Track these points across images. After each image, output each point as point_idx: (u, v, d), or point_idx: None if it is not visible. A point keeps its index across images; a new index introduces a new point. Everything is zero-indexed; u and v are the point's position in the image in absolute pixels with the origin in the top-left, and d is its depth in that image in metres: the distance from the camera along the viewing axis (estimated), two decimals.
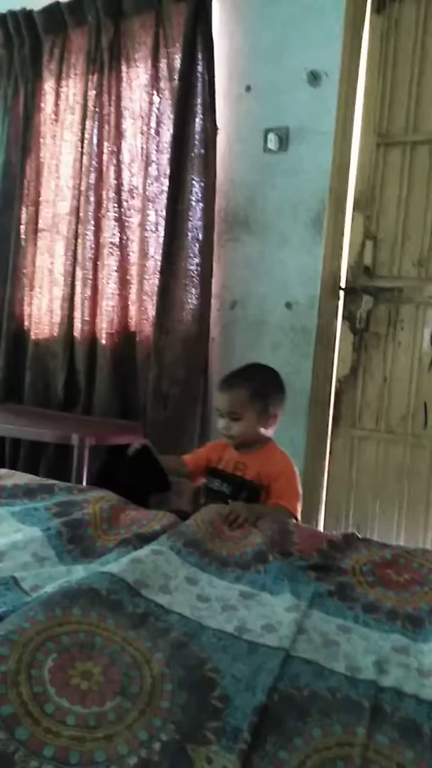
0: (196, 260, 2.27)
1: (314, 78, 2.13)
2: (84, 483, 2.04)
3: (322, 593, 1.05)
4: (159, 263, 2.31)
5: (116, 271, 2.45)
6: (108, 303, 2.46)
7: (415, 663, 0.87)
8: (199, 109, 2.24)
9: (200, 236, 2.27)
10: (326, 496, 2.20)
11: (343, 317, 2.14)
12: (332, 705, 0.76)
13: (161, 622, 0.91)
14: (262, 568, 1.12)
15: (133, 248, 2.44)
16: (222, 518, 1.30)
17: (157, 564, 1.06)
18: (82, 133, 2.49)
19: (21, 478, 1.58)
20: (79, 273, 2.52)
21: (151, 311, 2.36)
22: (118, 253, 2.45)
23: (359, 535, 1.30)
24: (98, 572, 1.00)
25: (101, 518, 1.27)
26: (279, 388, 1.60)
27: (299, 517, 1.50)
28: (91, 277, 2.49)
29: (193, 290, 2.27)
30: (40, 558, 1.11)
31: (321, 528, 2.16)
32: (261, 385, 1.56)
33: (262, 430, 1.56)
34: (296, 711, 0.74)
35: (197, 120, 2.24)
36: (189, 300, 2.28)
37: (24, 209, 2.62)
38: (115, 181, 2.43)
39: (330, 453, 2.18)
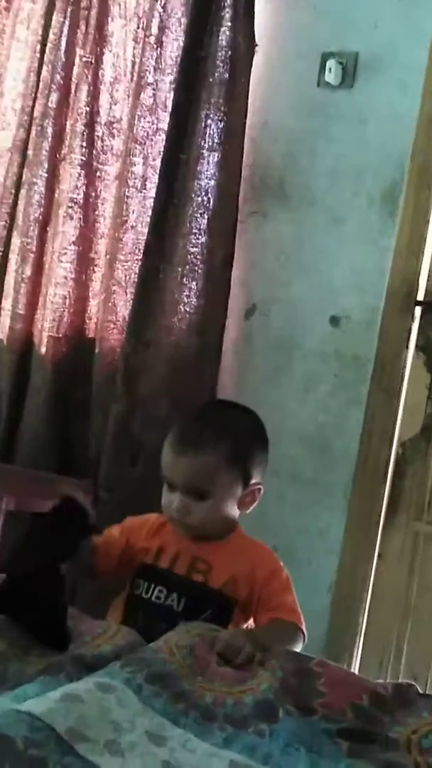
0: (202, 239, 2.28)
1: None
2: None
3: None
4: (144, 238, 2.31)
5: (74, 243, 2.45)
6: (57, 291, 2.45)
7: None
8: (227, 13, 2.26)
9: (211, 203, 2.28)
10: (367, 621, 2.18)
11: (417, 347, 2.16)
12: None
13: None
14: (266, 728, 1.11)
15: (105, 212, 2.45)
16: (209, 647, 1.30)
17: (104, 707, 1.05)
18: (45, 33, 2.49)
19: None
20: (15, 241, 2.52)
21: (124, 310, 2.36)
22: (81, 217, 2.45)
23: (419, 689, 1.29)
24: (12, 710, 1.00)
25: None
26: (264, 445, 1.61)
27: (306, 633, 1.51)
28: (34, 249, 2.49)
29: (194, 284, 2.29)
30: None
31: (356, 670, 2.14)
32: (243, 443, 1.56)
33: (234, 512, 1.56)
34: None
35: (224, 30, 2.26)
36: (186, 298, 2.29)
37: None
38: (87, 108, 2.44)
39: (379, 556, 2.18)
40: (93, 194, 2.45)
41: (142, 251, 2.32)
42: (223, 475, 1.51)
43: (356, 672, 2.09)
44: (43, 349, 2.46)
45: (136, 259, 2.34)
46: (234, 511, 1.56)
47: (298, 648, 1.47)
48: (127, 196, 2.37)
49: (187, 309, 2.29)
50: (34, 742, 0.93)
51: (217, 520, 1.54)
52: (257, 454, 1.58)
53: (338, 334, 2.24)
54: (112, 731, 1.01)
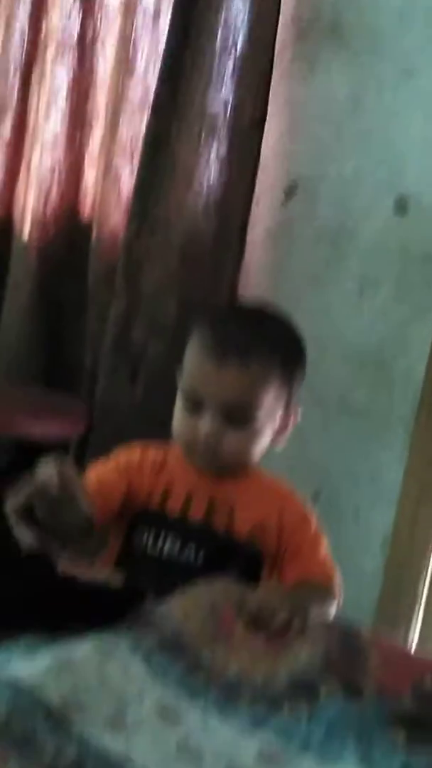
0: (228, 93, 2.26)
1: None
2: None
3: None
4: (152, 89, 2.31)
5: (66, 95, 2.47)
6: (43, 159, 2.48)
7: None
8: None
9: (239, 48, 2.26)
10: (429, 585, 2.22)
11: None
12: None
13: None
14: (305, 708, 1.12)
15: (106, 53, 2.46)
16: (236, 608, 1.29)
17: (106, 674, 1.06)
18: None
19: None
20: None
21: (130, 183, 2.36)
22: (75, 55, 2.46)
23: None
24: None
25: None
26: (305, 358, 1.63)
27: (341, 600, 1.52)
28: (13, 103, 2.54)
29: (213, 151, 2.28)
30: None
31: (414, 644, 2.20)
32: (292, 355, 1.59)
33: (267, 442, 1.57)
34: None
35: None
36: (205, 168, 2.28)
37: None
38: None
39: None
40: (90, 31, 2.46)
41: (150, 107, 2.31)
42: (272, 395, 1.51)
43: (414, 646, 2.20)
44: (26, 235, 2.49)
45: (142, 118, 2.34)
46: (267, 440, 1.55)
47: (331, 613, 1.49)
48: (135, 36, 2.37)
49: (206, 181, 2.29)
50: (20, 714, 0.94)
51: (252, 453, 1.53)
52: (301, 370, 1.59)
53: (405, 222, 2.21)
54: (115, 704, 1.02)
